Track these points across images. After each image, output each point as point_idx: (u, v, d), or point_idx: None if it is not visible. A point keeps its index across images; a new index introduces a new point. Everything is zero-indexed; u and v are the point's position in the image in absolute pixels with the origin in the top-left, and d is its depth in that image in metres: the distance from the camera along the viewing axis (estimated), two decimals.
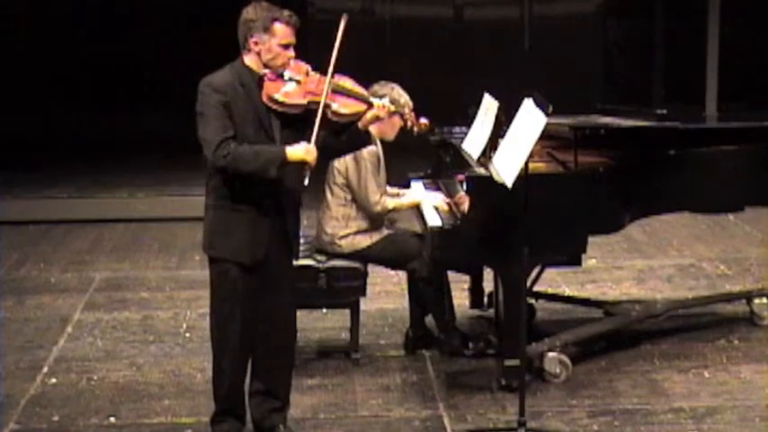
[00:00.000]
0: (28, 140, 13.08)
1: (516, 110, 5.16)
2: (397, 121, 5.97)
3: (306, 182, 4.87)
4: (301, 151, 4.83)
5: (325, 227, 6.20)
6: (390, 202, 6.21)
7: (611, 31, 14.87)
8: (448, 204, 6.15)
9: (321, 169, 6.20)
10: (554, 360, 5.94)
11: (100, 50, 13.93)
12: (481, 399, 5.75)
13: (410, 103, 6.01)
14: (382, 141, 6.21)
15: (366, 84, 5.34)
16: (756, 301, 6.93)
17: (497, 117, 5.89)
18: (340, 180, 6.15)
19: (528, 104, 5.07)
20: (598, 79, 14.56)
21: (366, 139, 5.13)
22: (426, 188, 6.63)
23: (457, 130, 6.77)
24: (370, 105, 5.01)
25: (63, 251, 9.26)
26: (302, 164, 4.84)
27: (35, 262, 8.86)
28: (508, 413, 5.51)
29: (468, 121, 6.29)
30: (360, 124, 5.02)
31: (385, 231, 6.25)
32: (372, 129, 5.77)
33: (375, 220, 6.19)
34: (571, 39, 14.49)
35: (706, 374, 6.07)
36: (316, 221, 6.35)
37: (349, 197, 6.16)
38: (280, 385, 5.20)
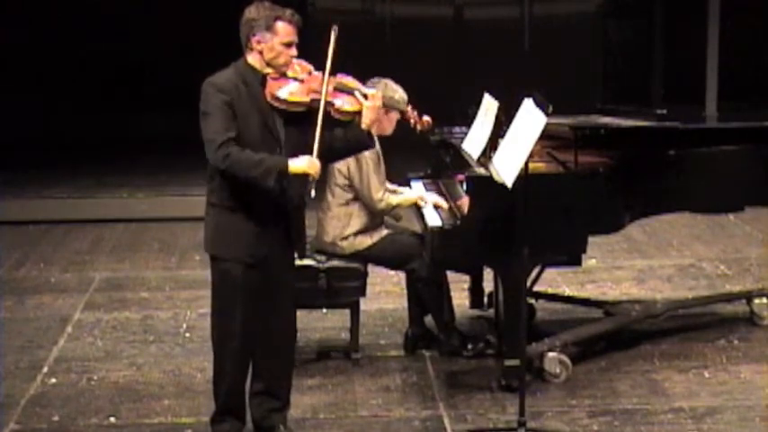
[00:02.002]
0: (28, 140, 13.08)
1: (516, 110, 5.16)
2: (395, 116, 5.97)
3: (312, 194, 4.85)
4: (304, 164, 4.81)
5: (326, 227, 6.20)
6: (394, 199, 6.22)
7: (611, 31, 14.87)
8: (448, 204, 6.16)
9: (322, 170, 6.21)
10: (554, 360, 5.94)
11: (100, 50, 13.93)
12: (481, 399, 5.75)
13: (405, 97, 5.99)
14: (380, 137, 6.19)
15: (364, 83, 5.34)
16: (756, 301, 6.93)
17: (497, 117, 5.89)
18: (341, 181, 6.15)
19: (528, 104, 5.07)
20: (598, 79, 14.56)
21: (371, 140, 5.12)
22: (426, 188, 6.63)
23: (457, 130, 6.77)
24: (366, 99, 5.01)
25: (63, 251, 9.26)
26: (305, 176, 4.83)
27: (35, 262, 8.86)
28: (508, 413, 5.51)
29: (468, 121, 6.29)
30: (363, 124, 5.02)
31: (385, 231, 6.25)
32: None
33: (376, 218, 6.20)
34: (571, 39, 14.50)
35: (706, 374, 6.07)
36: (315, 222, 6.34)
37: (350, 197, 6.16)
38: (280, 385, 5.20)
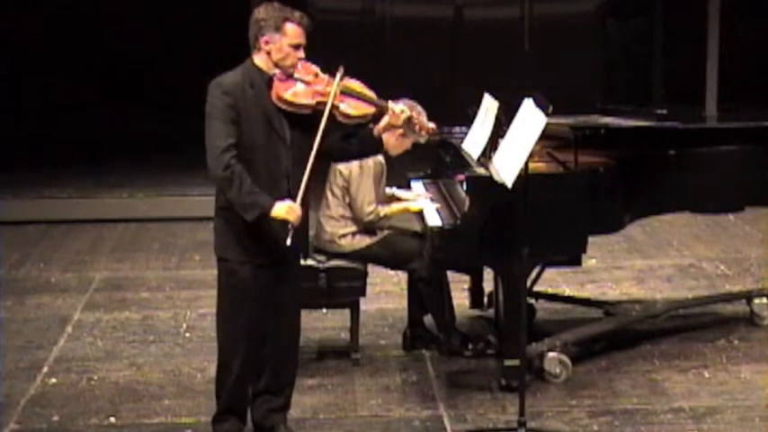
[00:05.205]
0: (28, 140, 13.07)
1: (516, 110, 5.16)
2: (407, 143, 6.03)
3: (288, 241, 4.80)
4: (283, 210, 4.80)
5: (324, 226, 6.22)
6: (382, 210, 6.22)
7: (612, 30, 14.87)
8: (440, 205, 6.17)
9: (322, 170, 6.21)
10: (554, 360, 5.94)
11: (100, 50, 13.92)
12: (481, 399, 5.76)
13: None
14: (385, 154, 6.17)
15: (371, 86, 5.34)
16: (756, 301, 6.93)
17: (497, 117, 5.89)
18: (341, 182, 6.16)
19: (528, 104, 5.07)
20: (598, 79, 14.55)
21: (379, 145, 5.13)
22: (426, 188, 6.63)
23: (457, 130, 6.77)
24: (382, 109, 5.01)
25: (63, 251, 9.25)
26: (285, 222, 4.82)
27: (35, 262, 8.86)
28: (508, 413, 5.51)
29: (468, 121, 6.29)
30: (375, 131, 5.04)
31: (385, 231, 6.25)
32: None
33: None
34: (571, 39, 14.49)
35: (706, 374, 6.08)
36: (315, 221, 6.34)
37: (348, 199, 6.16)
38: (283, 385, 5.20)
